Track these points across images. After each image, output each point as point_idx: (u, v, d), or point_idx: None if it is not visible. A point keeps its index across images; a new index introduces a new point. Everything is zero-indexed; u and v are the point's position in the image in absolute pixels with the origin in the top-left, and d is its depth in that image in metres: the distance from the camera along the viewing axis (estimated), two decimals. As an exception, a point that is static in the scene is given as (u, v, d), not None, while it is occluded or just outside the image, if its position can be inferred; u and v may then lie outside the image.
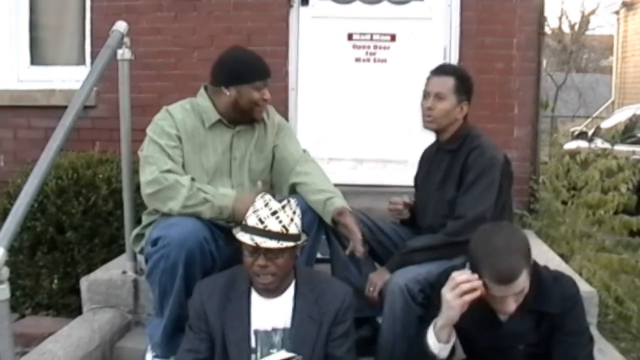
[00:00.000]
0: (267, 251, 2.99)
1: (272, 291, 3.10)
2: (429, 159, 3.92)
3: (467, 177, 3.59)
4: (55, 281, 4.82)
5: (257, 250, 3.00)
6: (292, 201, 3.13)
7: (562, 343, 3.00)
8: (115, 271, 4.26)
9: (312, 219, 3.55)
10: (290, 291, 3.14)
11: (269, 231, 3.00)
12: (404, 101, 5.83)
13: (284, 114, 5.70)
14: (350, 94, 6.01)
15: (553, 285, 3.07)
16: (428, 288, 3.40)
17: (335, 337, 3.10)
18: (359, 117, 6.00)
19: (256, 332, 3.08)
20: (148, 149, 3.57)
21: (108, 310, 4.13)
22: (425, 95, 3.71)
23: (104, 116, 5.80)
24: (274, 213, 3.03)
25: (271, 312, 3.11)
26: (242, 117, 3.65)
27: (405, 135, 5.78)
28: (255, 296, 3.13)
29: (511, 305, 2.91)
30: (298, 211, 3.13)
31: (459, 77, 3.71)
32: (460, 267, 3.12)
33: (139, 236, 3.74)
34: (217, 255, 3.46)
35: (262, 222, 3.02)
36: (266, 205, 3.06)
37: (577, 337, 3.02)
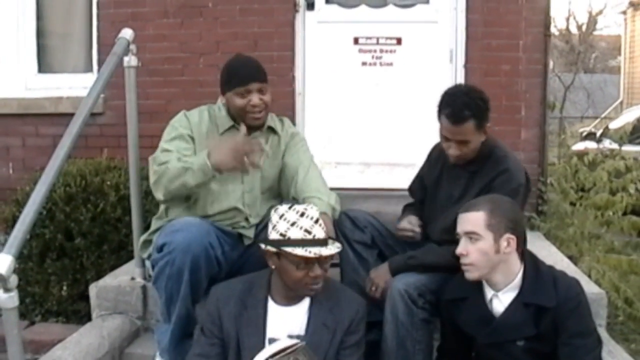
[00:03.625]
0: (324, 260, 3.00)
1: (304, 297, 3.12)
2: (440, 165, 3.83)
3: None
4: (65, 288, 4.83)
5: (312, 260, 2.97)
6: (314, 207, 3.10)
7: (568, 345, 3.01)
8: (124, 277, 4.28)
9: None
10: (306, 299, 3.14)
11: (319, 240, 2.99)
12: (410, 104, 5.84)
13: (291, 119, 5.68)
14: (357, 97, 6.00)
15: (551, 281, 3.10)
16: (428, 294, 3.44)
17: (346, 346, 3.10)
18: (365, 121, 5.99)
19: (271, 340, 3.07)
20: (164, 142, 3.63)
21: (117, 316, 4.15)
22: (446, 139, 3.56)
23: (111, 123, 5.82)
24: (316, 221, 3.01)
25: (287, 320, 3.11)
26: (248, 124, 3.64)
27: (412, 138, 5.77)
28: (272, 304, 3.13)
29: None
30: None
31: (477, 115, 3.49)
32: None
33: (147, 242, 3.76)
34: (222, 261, 3.48)
35: (309, 232, 2.97)
36: (303, 215, 3.00)
37: (582, 339, 3.02)
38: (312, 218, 3.00)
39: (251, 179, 3.71)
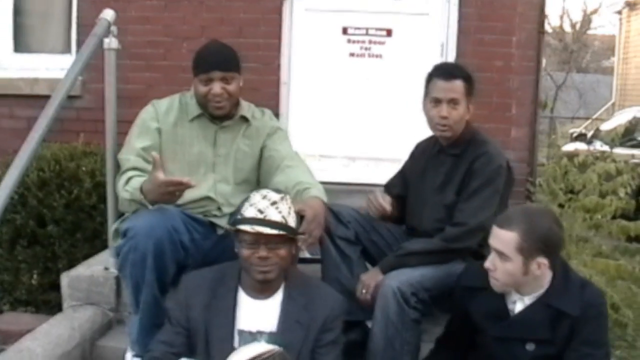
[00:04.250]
0: (268, 241, 3.00)
1: (268, 284, 3.08)
2: (425, 157, 3.90)
3: (471, 183, 3.60)
4: (35, 276, 4.80)
5: (257, 240, 3.00)
6: (288, 197, 3.15)
7: (576, 352, 2.98)
8: (98, 267, 4.25)
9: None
10: (279, 294, 3.13)
11: (270, 220, 3.01)
12: (398, 98, 5.84)
13: (275, 108, 5.70)
14: (344, 89, 6.01)
15: (578, 288, 3.07)
16: (421, 292, 3.43)
17: (322, 345, 3.09)
18: (352, 113, 6.01)
19: (240, 332, 3.07)
20: (130, 134, 3.69)
21: (89, 307, 4.12)
22: (436, 102, 3.65)
23: (89, 107, 5.80)
24: (273, 203, 3.04)
25: (258, 314, 3.10)
26: (209, 112, 3.67)
27: (399, 133, 5.78)
28: (242, 295, 3.12)
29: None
30: (293, 208, 3.13)
31: (467, 79, 3.68)
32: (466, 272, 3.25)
33: (117, 232, 3.73)
34: (189, 246, 3.45)
35: (261, 212, 3.01)
36: (264, 197, 3.06)
37: (592, 348, 3.00)
38: (269, 200, 3.05)
39: (223, 169, 3.72)
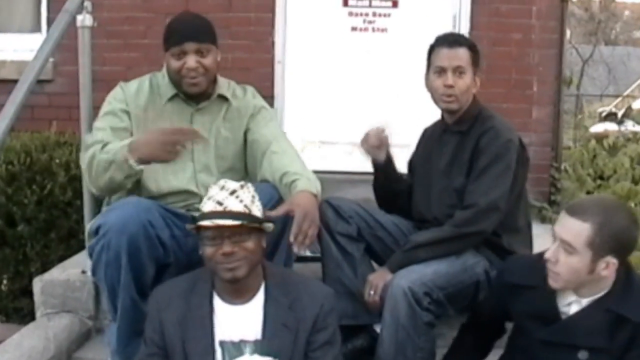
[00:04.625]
0: (232, 234, 2.95)
1: (241, 284, 3.03)
2: (430, 141, 3.91)
3: (479, 162, 3.58)
4: (5, 282, 4.79)
5: (219, 235, 2.95)
6: (249, 185, 3.09)
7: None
8: (74, 270, 4.23)
9: None
10: (259, 296, 3.09)
11: (230, 211, 2.96)
12: (406, 76, 5.81)
13: (269, 90, 5.69)
14: (345, 67, 5.99)
15: None
16: (435, 291, 3.38)
17: (316, 347, 3.05)
18: (355, 94, 5.99)
19: (222, 343, 3.03)
20: (98, 121, 3.64)
21: (65, 315, 4.10)
22: (440, 71, 3.67)
23: (62, 92, 5.80)
24: (232, 192, 2.99)
25: (238, 321, 3.06)
26: (184, 91, 3.64)
27: (408, 115, 5.73)
28: (218, 302, 3.08)
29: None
30: (257, 196, 3.08)
31: (471, 47, 3.71)
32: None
33: (93, 233, 3.70)
34: (170, 244, 3.42)
35: (221, 204, 2.97)
36: (222, 188, 3.01)
37: None
38: (227, 189, 3.00)
39: (204, 158, 3.68)
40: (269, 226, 3.08)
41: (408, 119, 5.69)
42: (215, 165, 3.71)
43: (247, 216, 2.98)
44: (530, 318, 3.07)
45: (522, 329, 3.13)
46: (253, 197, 3.05)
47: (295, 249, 3.25)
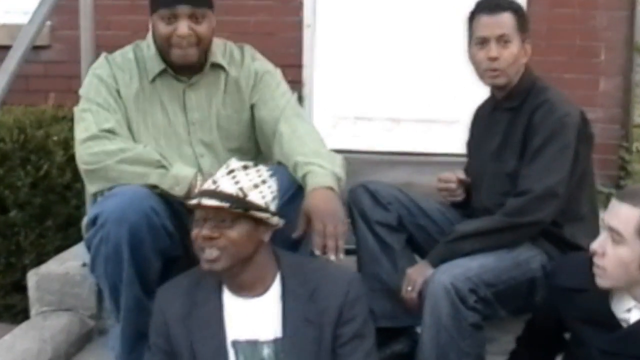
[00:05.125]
0: (215, 216, 2.93)
1: (220, 273, 3.01)
2: (483, 121, 3.88)
3: (533, 141, 3.53)
4: (-5, 275, 4.83)
5: (205, 216, 2.95)
6: (261, 167, 3.07)
7: None
8: (73, 263, 4.25)
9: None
10: (275, 289, 3.06)
11: (220, 192, 2.94)
12: (456, 42, 5.77)
13: (296, 58, 5.68)
14: (384, 32, 5.96)
15: None
16: (482, 288, 3.34)
17: (344, 342, 3.02)
18: (395, 63, 5.96)
19: (235, 343, 3.02)
20: (83, 103, 3.55)
21: (63, 314, 4.13)
22: (482, 42, 3.64)
23: (60, 60, 5.82)
24: (230, 172, 2.98)
25: (253, 317, 3.04)
26: (171, 62, 3.55)
27: (457, 87, 5.71)
28: (228, 295, 3.06)
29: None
30: (272, 184, 3.06)
31: (516, 10, 3.66)
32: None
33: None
34: (176, 234, 3.38)
35: (215, 182, 2.97)
36: (226, 166, 3.02)
37: None
38: (227, 167, 3.01)
39: (207, 136, 3.63)
40: (276, 220, 3.04)
41: (457, 90, 5.69)
42: (221, 145, 3.65)
43: (235, 200, 2.93)
44: (586, 325, 3.02)
45: (579, 338, 3.09)
46: (261, 181, 3.01)
47: (332, 257, 3.15)
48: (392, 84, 5.96)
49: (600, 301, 2.99)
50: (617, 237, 2.84)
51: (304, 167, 3.35)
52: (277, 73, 3.80)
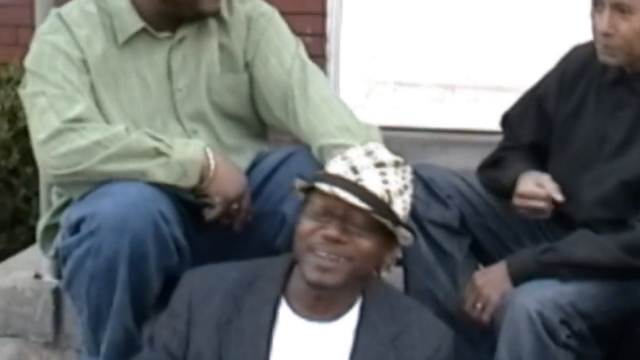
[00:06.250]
0: (346, 214, 2.94)
1: (325, 293, 3.03)
2: (587, 81, 3.75)
3: None
4: None
5: (331, 211, 2.94)
6: (409, 168, 3.06)
7: None
8: (23, 274, 4.29)
9: None
10: (350, 318, 3.08)
11: (363, 188, 2.93)
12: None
13: (319, 4, 5.69)
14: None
15: None
16: (577, 320, 3.33)
17: None
18: (446, 13, 6.01)
19: None
20: (34, 84, 3.49)
21: (9, 341, 4.17)
22: (597, 5, 3.52)
23: (4, 3, 5.82)
24: (379, 165, 2.98)
25: (312, 345, 3.06)
26: (179, 13, 3.50)
27: (526, 46, 5.79)
28: (286, 312, 3.07)
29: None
30: (412, 190, 3.08)
31: None
32: None
33: (52, 229, 3.67)
34: (186, 246, 3.38)
35: (355, 171, 2.95)
36: (369, 154, 3.00)
37: None
38: (375, 158, 2.98)
39: (197, 105, 3.61)
40: (407, 237, 3.06)
41: (526, 51, 5.71)
42: (217, 118, 3.64)
43: (379, 204, 2.94)
44: None
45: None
46: (405, 186, 3.02)
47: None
48: (443, 40, 6.01)
49: None
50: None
51: (332, 152, 3.35)
52: (275, 15, 3.76)
